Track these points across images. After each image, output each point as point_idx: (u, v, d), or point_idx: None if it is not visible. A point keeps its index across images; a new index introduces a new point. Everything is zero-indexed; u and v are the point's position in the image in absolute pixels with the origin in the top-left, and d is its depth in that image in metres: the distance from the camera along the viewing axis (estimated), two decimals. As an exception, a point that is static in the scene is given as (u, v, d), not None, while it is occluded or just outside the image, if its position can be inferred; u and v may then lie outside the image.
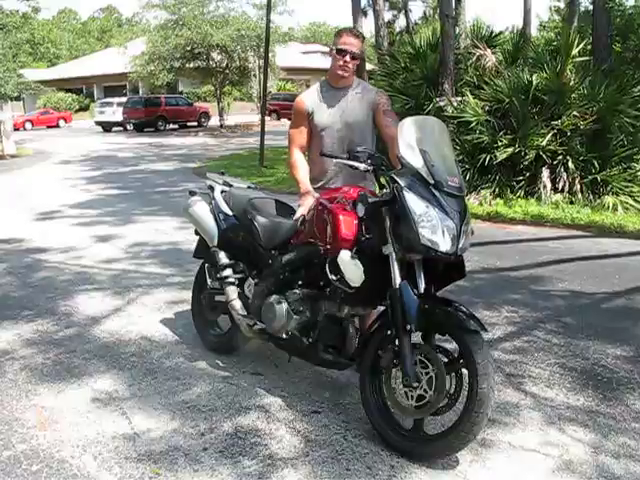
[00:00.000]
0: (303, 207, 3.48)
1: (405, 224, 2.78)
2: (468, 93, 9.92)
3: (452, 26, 10.85)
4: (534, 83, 9.31)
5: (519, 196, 9.06)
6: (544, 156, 8.94)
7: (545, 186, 8.99)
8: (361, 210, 2.97)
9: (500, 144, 9.12)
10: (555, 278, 5.74)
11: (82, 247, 7.15)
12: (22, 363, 3.98)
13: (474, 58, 10.62)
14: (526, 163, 9.08)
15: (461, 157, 9.15)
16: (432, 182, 2.79)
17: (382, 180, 3.11)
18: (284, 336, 3.43)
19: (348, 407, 3.38)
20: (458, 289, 4.90)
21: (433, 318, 2.85)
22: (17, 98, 25.71)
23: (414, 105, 10.53)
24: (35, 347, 4.24)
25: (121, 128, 32.82)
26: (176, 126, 32.95)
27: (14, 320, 4.76)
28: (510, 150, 9.01)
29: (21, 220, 8.98)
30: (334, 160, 3.29)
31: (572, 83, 9.36)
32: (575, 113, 9.09)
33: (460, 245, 2.80)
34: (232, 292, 3.80)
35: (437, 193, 2.79)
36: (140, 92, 39.52)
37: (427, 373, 2.82)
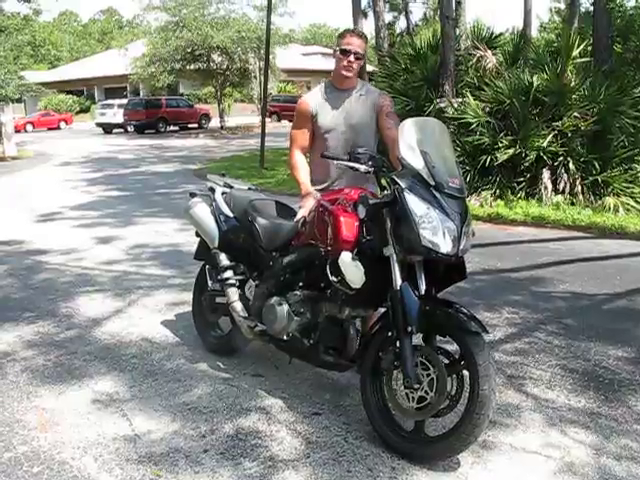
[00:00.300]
0: (304, 209, 3.48)
1: (406, 225, 2.77)
2: (469, 94, 9.92)
3: (452, 27, 10.87)
4: (535, 84, 9.31)
5: (520, 197, 9.06)
6: (545, 157, 8.94)
7: (546, 187, 8.99)
8: (362, 212, 2.97)
9: (501, 145, 9.12)
10: (556, 279, 5.73)
11: (83, 249, 7.15)
12: (23, 365, 3.98)
13: (474, 59, 10.63)
14: (527, 164, 9.08)
15: (462, 158, 9.15)
16: (433, 183, 2.79)
17: (383, 181, 3.11)
18: (285, 338, 3.43)
19: (349, 409, 3.38)
20: (459, 290, 4.90)
21: (434, 319, 2.84)
22: (18, 100, 25.77)
23: (414, 106, 10.53)
24: (36, 349, 4.24)
25: (122, 130, 32.83)
26: (177, 128, 32.96)
27: (15, 322, 4.76)
28: (511, 151, 9.01)
29: (22, 222, 8.98)
30: (335, 162, 3.29)
31: (573, 84, 9.35)
32: (576, 114, 9.09)
33: (461, 246, 2.80)
34: (233, 294, 3.80)
35: (438, 194, 2.79)
36: (141, 94, 39.55)
37: (428, 375, 2.82)
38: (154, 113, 31.57)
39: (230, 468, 2.84)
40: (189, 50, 29.24)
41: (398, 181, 2.84)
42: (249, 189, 4.18)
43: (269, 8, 15.62)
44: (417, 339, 2.91)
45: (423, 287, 2.89)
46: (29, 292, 5.53)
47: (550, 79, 9.27)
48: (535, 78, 9.38)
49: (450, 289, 3.09)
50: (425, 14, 35.19)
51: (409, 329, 2.79)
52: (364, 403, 3.10)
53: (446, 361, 2.87)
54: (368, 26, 25.21)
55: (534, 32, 26.19)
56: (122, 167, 16.66)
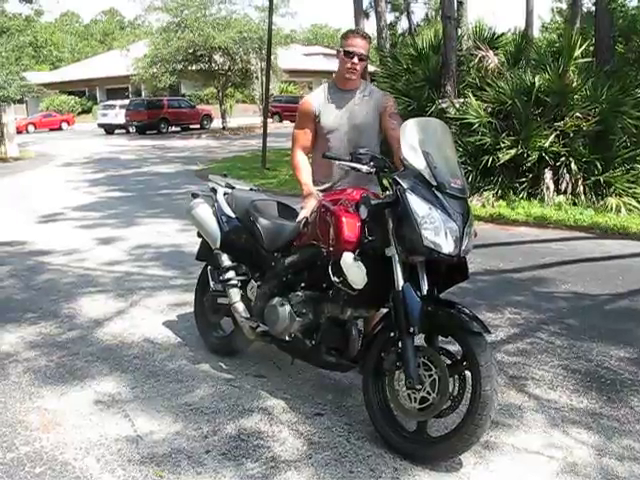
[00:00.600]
0: (306, 209, 3.48)
1: (408, 226, 2.77)
2: (470, 95, 9.91)
3: (454, 28, 10.85)
4: (536, 84, 9.30)
5: (522, 197, 9.05)
6: (547, 157, 8.93)
7: (548, 187, 8.98)
8: (364, 212, 2.97)
9: (503, 146, 9.11)
10: (558, 280, 5.73)
11: (85, 249, 7.16)
12: (25, 365, 3.98)
13: (476, 60, 10.62)
14: (529, 165, 9.07)
15: (464, 159, 9.14)
16: (435, 184, 2.79)
17: (385, 182, 3.11)
18: (287, 338, 3.43)
19: (351, 409, 3.38)
20: (461, 291, 4.90)
21: (436, 320, 2.84)
22: (20, 101, 25.79)
23: (416, 107, 10.53)
24: (38, 349, 4.24)
25: (123, 130, 32.84)
26: (178, 128, 32.98)
27: (17, 323, 4.77)
28: (513, 152, 9.00)
29: (24, 222, 8.99)
30: (337, 162, 3.29)
31: (575, 84, 9.34)
32: (578, 114, 9.08)
33: (463, 247, 2.80)
34: (235, 294, 3.80)
35: (440, 195, 2.79)
36: (142, 94, 39.54)
37: (430, 375, 2.82)
38: (156, 114, 31.58)
39: (232, 469, 2.84)
40: (191, 51, 29.24)
41: (400, 181, 2.84)
42: (251, 190, 4.18)
43: (271, 8, 15.63)
44: (419, 340, 2.91)
45: (425, 288, 2.89)
46: (31, 293, 5.54)
47: (552, 79, 9.26)
48: (537, 78, 9.37)
49: (452, 289, 3.09)
50: (427, 14, 35.24)
51: (411, 330, 2.79)
52: (366, 404, 3.10)
53: (448, 362, 2.86)
54: (370, 26, 25.16)
55: (536, 32, 26.24)
56: (124, 168, 16.67)
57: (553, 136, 8.97)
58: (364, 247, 2.97)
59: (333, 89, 3.67)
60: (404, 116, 3.56)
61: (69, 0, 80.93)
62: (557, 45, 11.07)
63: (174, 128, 32.75)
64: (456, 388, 2.86)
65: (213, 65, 30.65)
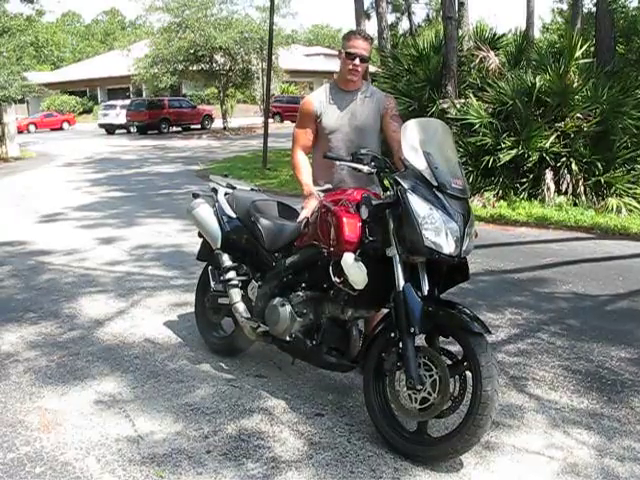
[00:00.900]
0: (307, 209, 3.48)
1: (409, 226, 2.78)
2: (471, 95, 9.91)
3: (455, 28, 10.85)
4: (537, 85, 9.30)
5: (522, 198, 9.05)
6: (547, 158, 8.93)
7: (549, 188, 8.98)
8: (365, 212, 2.97)
9: (503, 146, 9.11)
10: (559, 280, 5.73)
11: (85, 249, 7.16)
12: (26, 365, 3.98)
13: (477, 60, 10.63)
14: (529, 165, 9.08)
15: (464, 159, 9.14)
16: (435, 184, 2.79)
17: (386, 182, 3.11)
18: (287, 338, 3.43)
19: (352, 409, 3.38)
20: (462, 291, 4.91)
21: (437, 320, 2.84)
22: (21, 101, 25.77)
23: (417, 107, 10.54)
24: (39, 349, 4.24)
25: (124, 130, 32.88)
26: (179, 128, 33.01)
27: (18, 322, 4.77)
28: (513, 152, 9.00)
29: (24, 222, 9.00)
30: (338, 162, 3.30)
31: (575, 85, 9.35)
32: (578, 115, 9.09)
33: (464, 247, 2.80)
34: (235, 294, 3.80)
35: (441, 195, 2.79)
36: (143, 94, 39.56)
37: (431, 376, 2.82)
38: (157, 114, 31.61)
39: (233, 469, 2.84)
40: (192, 51, 29.24)
41: (401, 182, 2.84)
42: (252, 190, 4.19)
43: (272, 9, 15.63)
44: (420, 340, 2.91)
45: (426, 288, 2.89)
46: (32, 293, 5.54)
47: (553, 80, 9.26)
48: (538, 79, 9.37)
49: (453, 290, 3.09)
50: (428, 15, 35.16)
51: (412, 330, 2.80)
52: (367, 404, 3.10)
53: (449, 362, 2.87)
54: (371, 27, 25.13)
55: (537, 33, 26.22)
56: (125, 168, 16.67)
57: (554, 137, 8.97)
58: (365, 247, 2.98)
59: (334, 89, 3.67)
60: (405, 116, 3.57)
61: (70, 0, 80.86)
62: (558, 46, 11.06)
63: (175, 128, 32.79)
64: (457, 388, 2.86)
65: (214, 65, 30.66)
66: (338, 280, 3.03)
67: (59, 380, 3.77)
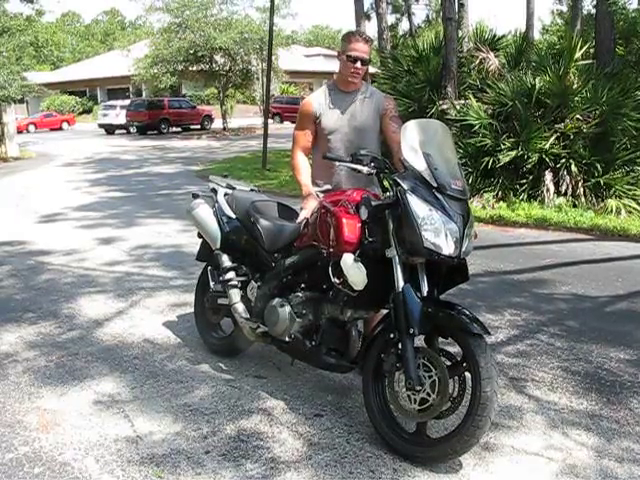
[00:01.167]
0: (306, 210, 3.48)
1: (408, 227, 2.78)
2: (471, 96, 9.92)
3: (455, 29, 10.86)
4: (537, 86, 9.30)
5: (522, 199, 9.05)
6: (547, 159, 8.93)
7: (548, 189, 8.98)
8: (364, 213, 2.97)
9: (503, 147, 9.12)
10: (558, 281, 5.73)
11: (85, 249, 7.16)
12: (25, 365, 3.98)
13: (477, 61, 10.63)
14: (529, 166, 9.08)
15: (464, 160, 9.15)
16: (435, 185, 2.79)
17: (385, 183, 3.11)
18: (287, 339, 3.43)
19: (351, 410, 3.38)
20: (461, 292, 4.91)
21: (436, 321, 2.84)
22: (21, 101, 25.77)
23: (417, 108, 10.55)
24: (38, 349, 4.24)
25: (124, 131, 32.87)
26: (179, 129, 33.01)
27: (17, 322, 4.77)
28: (513, 153, 9.00)
29: (24, 222, 8.99)
30: (337, 163, 3.30)
31: (575, 86, 9.35)
32: (578, 116, 9.09)
33: (463, 248, 2.80)
34: (235, 295, 3.80)
35: (440, 196, 2.79)
36: (143, 95, 39.58)
37: (430, 376, 2.82)
38: (157, 114, 31.61)
39: (232, 469, 2.84)
40: (192, 51, 29.25)
41: (400, 182, 2.84)
42: (251, 190, 4.18)
43: (272, 9, 15.63)
44: (419, 341, 2.91)
45: (425, 289, 2.89)
46: (31, 293, 5.53)
47: (552, 81, 9.27)
48: (537, 80, 9.38)
49: (452, 291, 3.09)
50: (428, 16, 35.24)
51: (411, 331, 2.80)
52: (366, 405, 3.10)
53: (448, 363, 2.87)
54: (371, 28, 25.14)
55: (536, 34, 26.22)
56: (124, 168, 16.67)
57: (553, 138, 8.97)
58: (364, 248, 2.98)
59: (334, 90, 3.67)
60: (405, 117, 3.57)
61: (70, 0, 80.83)
62: (557, 47, 11.06)
63: (175, 129, 32.78)
64: (456, 389, 2.86)
65: (214, 66, 30.67)
66: (337, 281, 3.03)
67: (58, 380, 3.77)
